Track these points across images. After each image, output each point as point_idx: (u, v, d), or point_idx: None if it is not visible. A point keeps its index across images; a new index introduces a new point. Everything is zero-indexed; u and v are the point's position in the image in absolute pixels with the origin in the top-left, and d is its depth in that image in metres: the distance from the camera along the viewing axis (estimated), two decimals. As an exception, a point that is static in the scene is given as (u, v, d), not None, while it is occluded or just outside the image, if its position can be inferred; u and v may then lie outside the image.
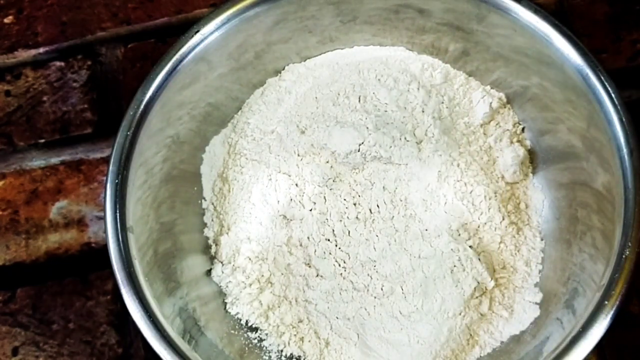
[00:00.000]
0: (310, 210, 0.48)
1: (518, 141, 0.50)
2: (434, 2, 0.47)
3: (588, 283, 0.43)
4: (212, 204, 0.51)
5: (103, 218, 0.43)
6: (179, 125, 0.48)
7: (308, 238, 0.48)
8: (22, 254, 0.53)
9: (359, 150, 0.49)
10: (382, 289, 0.47)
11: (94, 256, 0.52)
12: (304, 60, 0.53)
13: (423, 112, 0.50)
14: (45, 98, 0.56)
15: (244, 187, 0.50)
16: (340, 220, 0.48)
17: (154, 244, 0.46)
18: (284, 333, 0.48)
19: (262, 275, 0.48)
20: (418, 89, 0.51)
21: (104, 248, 0.43)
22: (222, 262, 0.49)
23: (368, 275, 0.48)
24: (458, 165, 0.49)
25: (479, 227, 0.48)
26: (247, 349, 0.48)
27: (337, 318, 0.47)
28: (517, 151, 0.49)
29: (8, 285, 0.52)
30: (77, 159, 0.55)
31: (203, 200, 0.51)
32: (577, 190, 0.48)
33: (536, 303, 0.47)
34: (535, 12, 0.44)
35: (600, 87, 0.43)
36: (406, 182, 0.49)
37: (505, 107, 0.51)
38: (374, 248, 0.48)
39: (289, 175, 0.49)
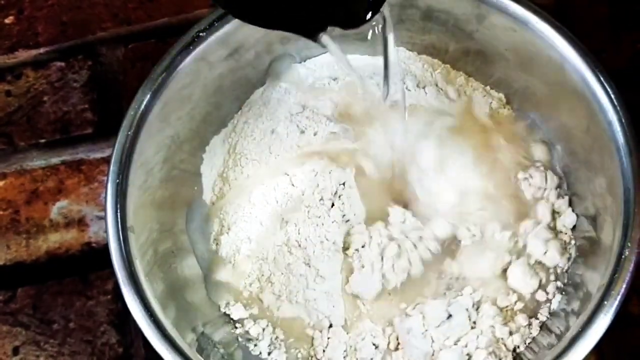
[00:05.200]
0: (310, 210, 0.48)
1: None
2: (434, 2, 0.47)
3: (588, 283, 0.44)
4: (212, 203, 0.51)
5: (104, 218, 0.43)
6: (179, 125, 0.48)
7: (306, 239, 0.48)
8: (23, 253, 0.53)
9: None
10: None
11: (95, 256, 0.52)
12: (304, 60, 0.53)
13: None
14: (45, 98, 0.56)
15: (244, 187, 0.50)
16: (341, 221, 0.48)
17: (154, 244, 0.46)
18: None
19: (262, 275, 0.48)
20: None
21: (105, 248, 0.43)
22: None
23: (368, 275, 0.48)
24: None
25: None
26: (246, 347, 0.48)
27: (337, 318, 0.48)
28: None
29: (8, 285, 0.52)
30: (77, 159, 0.55)
31: (203, 200, 0.51)
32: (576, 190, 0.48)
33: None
34: (535, 12, 0.44)
35: (600, 88, 0.43)
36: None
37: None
38: (374, 248, 0.48)
39: (289, 176, 0.49)
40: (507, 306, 0.46)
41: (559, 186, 0.49)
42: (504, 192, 0.48)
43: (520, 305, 0.46)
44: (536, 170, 0.49)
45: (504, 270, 0.47)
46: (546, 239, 0.47)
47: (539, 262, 0.47)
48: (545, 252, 0.47)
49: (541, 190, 0.48)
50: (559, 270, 0.47)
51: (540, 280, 0.46)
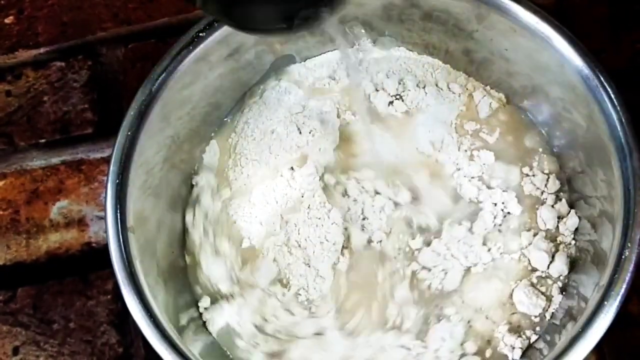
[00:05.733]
0: (310, 211, 0.48)
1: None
2: (434, 2, 0.47)
3: (588, 283, 0.44)
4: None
5: (104, 218, 0.43)
6: (179, 125, 0.48)
7: (306, 239, 0.48)
8: (23, 253, 0.53)
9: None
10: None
11: (95, 256, 0.52)
12: (304, 60, 0.53)
13: None
14: (45, 98, 0.56)
15: (244, 187, 0.50)
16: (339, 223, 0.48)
17: (154, 244, 0.46)
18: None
19: (263, 275, 0.49)
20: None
21: (105, 248, 0.43)
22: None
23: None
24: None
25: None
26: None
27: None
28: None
29: (9, 285, 0.52)
30: (77, 159, 0.55)
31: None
32: (577, 191, 0.48)
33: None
34: (535, 12, 0.44)
35: (600, 88, 0.42)
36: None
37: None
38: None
39: (289, 176, 0.49)
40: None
41: (559, 191, 0.49)
42: None
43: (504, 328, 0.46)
44: (539, 170, 0.49)
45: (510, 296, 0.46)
46: (547, 249, 0.46)
47: (544, 276, 0.47)
48: (550, 264, 0.46)
49: (539, 192, 0.48)
50: (562, 275, 0.47)
51: (549, 297, 0.46)
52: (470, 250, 0.47)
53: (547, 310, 0.46)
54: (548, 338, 0.45)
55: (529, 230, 0.47)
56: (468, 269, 0.47)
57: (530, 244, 0.47)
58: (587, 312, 0.40)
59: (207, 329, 0.47)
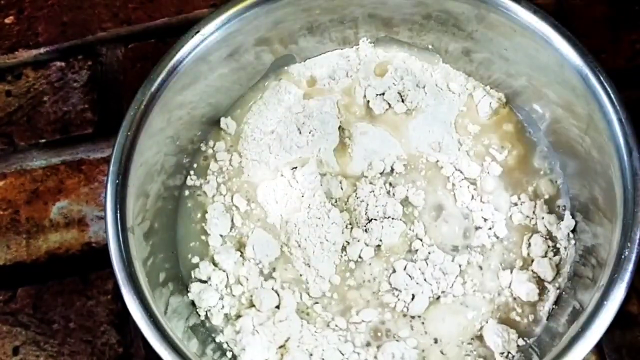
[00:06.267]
0: (310, 211, 0.48)
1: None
2: (434, 2, 0.47)
3: (587, 283, 0.44)
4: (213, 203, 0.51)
5: (103, 218, 0.43)
6: (179, 125, 0.48)
7: (306, 239, 0.48)
8: (23, 253, 0.53)
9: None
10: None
11: (95, 256, 0.52)
12: (304, 61, 0.53)
13: None
14: (45, 98, 0.56)
15: (244, 187, 0.50)
16: (339, 223, 0.48)
17: (154, 245, 0.46)
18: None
19: (263, 274, 0.49)
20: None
21: (105, 248, 0.43)
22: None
23: (368, 275, 0.48)
24: None
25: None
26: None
27: (337, 318, 0.48)
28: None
29: (9, 285, 0.52)
30: (77, 159, 0.55)
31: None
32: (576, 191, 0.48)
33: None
34: (535, 12, 0.44)
35: (599, 87, 0.43)
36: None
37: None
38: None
39: (288, 176, 0.49)
40: None
41: (549, 212, 0.48)
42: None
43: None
44: (526, 195, 0.49)
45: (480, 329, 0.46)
46: (529, 279, 0.46)
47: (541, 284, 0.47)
48: (545, 269, 0.46)
49: (528, 219, 0.48)
50: (560, 279, 0.47)
51: (547, 299, 0.46)
52: (443, 278, 0.46)
53: (545, 310, 0.46)
54: (547, 338, 0.45)
55: (509, 263, 0.47)
56: (437, 298, 0.47)
57: (510, 283, 0.47)
58: (587, 312, 0.40)
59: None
